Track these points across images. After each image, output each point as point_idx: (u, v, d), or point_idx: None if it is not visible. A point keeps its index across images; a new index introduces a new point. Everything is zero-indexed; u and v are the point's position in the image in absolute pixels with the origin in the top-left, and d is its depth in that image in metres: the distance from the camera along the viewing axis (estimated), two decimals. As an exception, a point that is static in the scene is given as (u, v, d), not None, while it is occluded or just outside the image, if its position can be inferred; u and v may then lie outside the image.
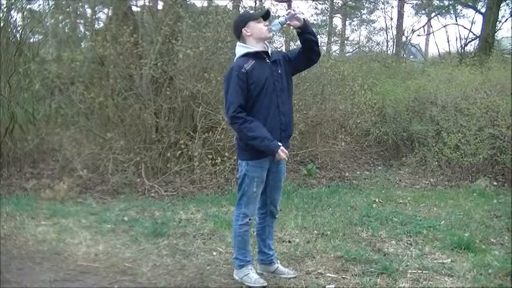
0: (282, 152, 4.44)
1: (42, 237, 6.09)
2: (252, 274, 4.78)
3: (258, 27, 4.59)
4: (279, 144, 4.44)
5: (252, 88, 4.45)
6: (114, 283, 4.89)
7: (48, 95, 10.04)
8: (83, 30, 13.38)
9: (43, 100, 10.08)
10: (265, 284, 4.78)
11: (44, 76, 9.83)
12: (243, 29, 4.62)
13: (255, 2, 18.21)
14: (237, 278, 4.84)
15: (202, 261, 5.43)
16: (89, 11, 13.57)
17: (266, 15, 4.75)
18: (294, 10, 4.67)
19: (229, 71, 4.54)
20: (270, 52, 4.67)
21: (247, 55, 4.56)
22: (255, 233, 5.08)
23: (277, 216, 5.06)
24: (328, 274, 5.08)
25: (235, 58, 4.67)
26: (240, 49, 4.64)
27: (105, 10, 13.27)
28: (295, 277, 4.95)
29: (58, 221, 6.73)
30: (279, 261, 5.11)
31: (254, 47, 4.59)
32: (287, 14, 4.63)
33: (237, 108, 4.38)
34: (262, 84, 4.48)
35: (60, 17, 11.77)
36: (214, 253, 5.66)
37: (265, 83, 4.50)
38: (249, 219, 4.75)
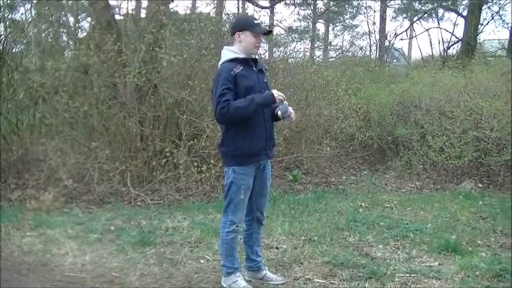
0: (277, 94, 4.51)
1: (28, 248, 6.04)
2: (240, 281, 4.77)
3: (251, 41, 4.56)
4: (271, 92, 4.55)
5: (240, 90, 4.43)
6: (102, 293, 4.87)
7: (32, 104, 9.97)
8: (66, 39, 13.35)
9: (27, 110, 10.01)
10: None
11: (27, 86, 9.77)
12: (237, 32, 4.60)
13: (238, 9, 18.27)
14: (225, 286, 4.83)
15: (189, 269, 5.41)
16: (71, 19, 13.56)
17: (267, 33, 4.77)
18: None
19: (218, 73, 4.52)
20: (257, 60, 4.70)
21: (234, 60, 4.55)
22: (242, 240, 5.05)
23: (264, 222, 5.06)
24: (316, 279, 5.08)
25: (221, 62, 4.64)
26: (228, 53, 4.63)
27: (88, 19, 13.27)
28: (283, 283, 4.96)
29: (44, 232, 6.67)
30: (267, 267, 5.11)
31: (239, 53, 4.57)
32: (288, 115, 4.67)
33: (226, 100, 4.35)
34: (249, 90, 4.47)
35: (43, 26, 11.72)
36: (202, 261, 5.64)
37: (253, 90, 4.49)
38: (236, 226, 4.73)
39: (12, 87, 9.71)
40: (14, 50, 11.19)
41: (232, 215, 4.71)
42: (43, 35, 11.91)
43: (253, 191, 4.75)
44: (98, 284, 5.08)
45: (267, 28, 4.78)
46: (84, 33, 12.89)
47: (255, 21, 4.64)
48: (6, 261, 5.66)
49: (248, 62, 4.59)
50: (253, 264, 4.99)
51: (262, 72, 4.72)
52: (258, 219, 4.95)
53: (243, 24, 4.68)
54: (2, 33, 10.84)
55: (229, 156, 4.65)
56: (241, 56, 4.56)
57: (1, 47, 10.36)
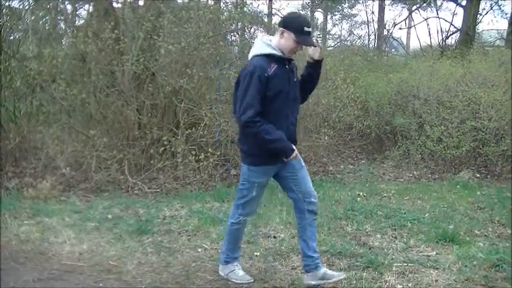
0: (295, 156, 4.39)
1: (26, 237, 6.03)
2: (237, 270, 4.78)
3: (291, 45, 4.37)
4: (293, 147, 4.37)
5: (269, 94, 4.26)
6: (99, 282, 4.87)
7: (30, 92, 9.94)
8: (63, 27, 13.26)
9: (24, 98, 9.99)
10: (252, 280, 4.77)
11: (25, 73, 9.73)
12: (285, 29, 4.36)
13: (236, -1, 18.17)
14: (222, 274, 4.84)
15: (187, 258, 5.41)
16: (69, 7, 13.46)
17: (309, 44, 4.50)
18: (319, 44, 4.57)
19: (252, 70, 4.27)
20: (292, 60, 4.52)
21: (270, 56, 4.35)
22: (297, 236, 4.88)
23: (316, 211, 4.79)
24: (314, 269, 5.08)
25: (255, 53, 4.43)
26: (263, 46, 4.42)
27: (86, 6, 13.15)
28: (345, 278, 4.77)
29: (41, 220, 6.66)
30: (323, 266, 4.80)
31: (277, 50, 4.37)
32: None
33: (255, 114, 4.19)
34: (279, 91, 4.31)
35: (40, 14, 11.63)
36: (200, 250, 5.65)
37: (282, 91, 4.33)
38: (244, 219, 4.72)
39: (9, 74, 9.66)
40: (11, 38, 11.13)
41: (242, 209, 4.66)
42: (40, 22, 11.83)
43: (287, 180, 4.63)
44: (95, 272, 5.08)
45: (314, 42, 4.51)
46: (82, 21, 12.79)
47: (306, 29, 4.37)
48: (4, 250, 5.64)
49: (283, 61, 4.40)
50: (311, 261, 4.64)
51: (293, 71, 4.51)
52: (308, 209, 4.67)
53: (293, 25, 4.37)
54: (-1, 20, 10.81)
55: (246, 154, 4.54)
56: (278, 53, 4.36)
57: (-2, 34, 10.33)
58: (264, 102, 4.24)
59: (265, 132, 4.22)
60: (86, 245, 5.80)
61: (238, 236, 4.82)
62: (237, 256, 4.85)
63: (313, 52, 4.56)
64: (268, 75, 4.23)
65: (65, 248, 5.70)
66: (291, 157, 4.35)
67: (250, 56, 4.49)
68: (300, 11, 29.50)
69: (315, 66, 4.65)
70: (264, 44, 4.42)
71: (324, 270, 4.65)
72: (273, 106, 4.29)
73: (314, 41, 4.60)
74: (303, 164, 4.70)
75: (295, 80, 4.52)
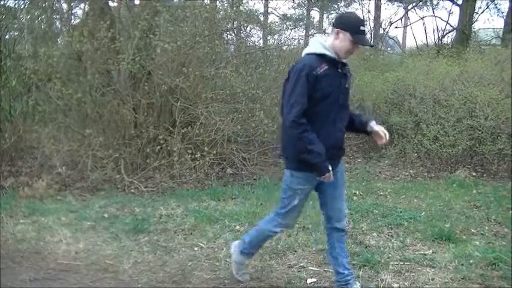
0: (329, 178, 4.12)
1: (22, 236, 6.02)
2: (244, 267, 4.81)
3: (347, 46, 4.13)
4: (330, 168, 4.08)
5: (316, 95, 4.04)
6: (96, 281, 4.87)
7: (25, 91, 9.93)
8: (59, 26, 13.25)
9: (20, 97, 9.97)
10: (249, 279, 4.78)
11: (20, 73, 9.72)
12: (340, 30, 4.12)
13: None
14: (233, 258, 4.83)
15: (183, 257, 5.42)
16: (65, 6, 13.45)
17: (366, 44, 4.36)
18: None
19: (300, 67, 4.07)
20: (346, 64, 4.29)
21: (322, 56, 4.13)
22: (328, 252, 4.70)
23: (346, 230, 4.66)
24: (310, 267, 5.11)
25: (308, 51, 4.22)
26: (318, 45, 4.20)
27: (82, 5, 13.16)
28: None
29: (37, 219, 6.65)
30: (358, 283, 4.61)
31: (330, 51, 4.14)
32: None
33: (301, 113, 3.98)
34: (328, 94, 4.09)
35: (36, 13, 11.61)
36: (196, 248, 5.65)
37: (331, 94, 4.11)
38: (281, 231, 4.64)
39: (4, 74, 9.66)
40: (6, 37, 11.13)
41: (282, 219, 4.46)
42: (36, 21, 11.81)
43: (324, 193, 4.41)
44: (91, 271, 5.08)
45: (369, 42, 4.27)
46: (78, 20, 12.81)
47: (361, 28, 4.17)
48: (0, 249, 5.64)
49: (335, 63, 4.16)
50: (341, 277, 4.49)
51: (346, 77, 4.27)
52: (337, 227, 4.47)
53: (350, 25, 4.13)
54: (-5, 19, 10.79)
55: (289, 159, 4.31)
56: (331, 55, 4.14)
57: (-6, 33, 10.32)
58: (311, 103, 4.05)
59: (307, 140, 4.01)
60: (82, 244, 5.79)
61: (266, 240, 4.77)
62: (253, 253, 4.81)
63: (377, 129, 4.44)
64: (317, 74, 4.03)
65: (61, 247, 5.70)
66: (324, 177, 4.11)
67: (303, 53, 4.32)
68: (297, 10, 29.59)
69: (363, 131, 4.55)
70: (319, 43, 4.21)
71: (356, 287, 4.50)
72: (319, 109, 4.10)
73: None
74: (344, 179, 4.58)
75: (346, 86, 4.29)
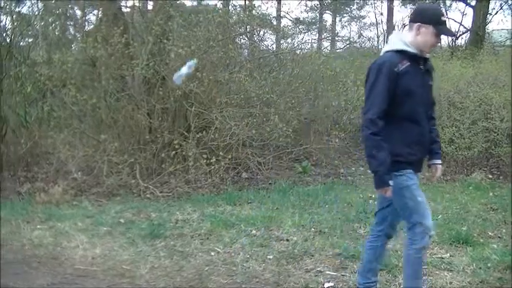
0: (388, 192, 3.79)
1: (39, 242, 6.05)
2: None
3: (430, 40, 3.89)
4: (390, 183, 3.76)
5: (398, 93, 3.79)
6: (113, 286, 4.87)
7: (40, 97, 10.00)
8: (73, 32, 13.34)
9: (35, 103, 10.03)
10: None
11: (35, 79, 9.79)
12: (421, 24, 3.87)
13: (244, 1, 18.18)
14: None
15: (200, 261, 5.41)
16: (78, 12, 13.56)
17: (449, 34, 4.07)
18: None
19: (380, 64, 3.85)
20: (428, 59, 4.05)
21: (403, 53, 3.88)
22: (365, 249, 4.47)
23: (393, 236, 4.38)
24: (327, 272, 5.08)
25: (387, 49, 3.99)
26: (397, 42, 3.95)
27: (95, 12, 13.25)
28: None
29: (54, 225, 6.68)
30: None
31: (411, 48, 3.88)
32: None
33: (379, 114, 3.74)
34: (409, 91, 3.83)
35: (50, 19, 11.69)
36: (213, 253, 5.64)
37: (413, 92, 3.85)
38: (429, 236, 4.03)
39: (20, 80, 9.73)
40: (21, 43, 11.21)
41: (421, 217, 3.94)
42: (50, 28, 11.89)
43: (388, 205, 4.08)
44: (108, 276, 5.09)
45: (453, 32, 3.94)
46: (91, 26, 12.90)
47: (443, 19, 3.96)
48: (17, 255, 5.68)
49: (417, 59, 3.91)
50: (366, 282, 4.29)
51: (429, 73, 4.06)
52: (388, 233, 4.26)
53: (430, 17, 3.89)
54: (9, 26, 10.87)
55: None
56: (412, 51, 3.88)
57: (8, 40, 10.38)
58: (393, 102, 3.80)
59: (375, 143, 3.75)
60: (99, 249, 5.81)
61: (422, 263, 4.12)
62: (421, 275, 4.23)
63: (437, 171, 4.33)
64: (398, 70, 3.78)
65: (78, 253, 5.72)
66: (381, 190, 3.81)
67: (382, 51, 4.11)
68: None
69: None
70: (398, 39, 3.97)
71: None
72: (401, 109, 3.84)
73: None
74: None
75: (430, 83, 4.07)
